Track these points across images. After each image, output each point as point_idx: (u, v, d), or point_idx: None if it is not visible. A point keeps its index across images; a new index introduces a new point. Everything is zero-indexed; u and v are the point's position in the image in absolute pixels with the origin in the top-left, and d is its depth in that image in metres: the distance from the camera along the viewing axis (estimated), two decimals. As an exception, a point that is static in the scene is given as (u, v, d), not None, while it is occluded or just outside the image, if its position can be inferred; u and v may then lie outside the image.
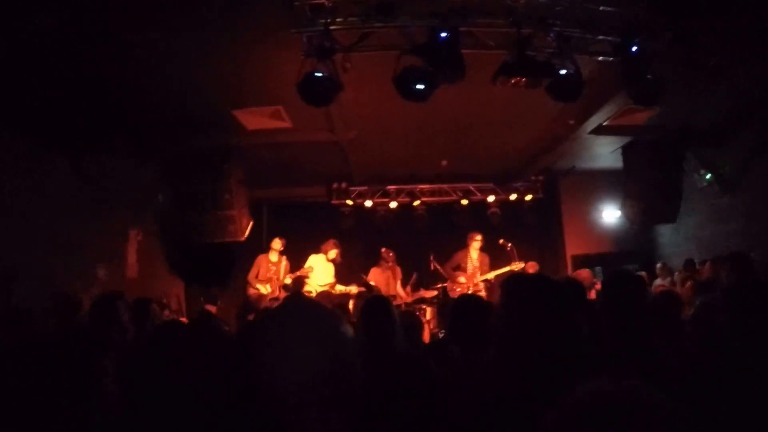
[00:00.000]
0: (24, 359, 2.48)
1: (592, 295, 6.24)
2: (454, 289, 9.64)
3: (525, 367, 1.79)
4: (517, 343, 1.83)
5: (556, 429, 1.00)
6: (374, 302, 3.72)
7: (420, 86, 5.32)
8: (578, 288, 5.74)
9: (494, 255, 10.08)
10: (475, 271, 9.81)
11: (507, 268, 9.54)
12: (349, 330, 1.33)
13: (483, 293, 9.37)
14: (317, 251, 9.70)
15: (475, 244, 9.90)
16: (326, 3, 4.98)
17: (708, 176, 9.86)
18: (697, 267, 8.26)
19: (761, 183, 8.83)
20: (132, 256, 8.88)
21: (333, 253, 9.62)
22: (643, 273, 9.55)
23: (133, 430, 2.21)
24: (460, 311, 3.31)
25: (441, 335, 8.31)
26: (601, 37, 5.79)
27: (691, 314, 2.22)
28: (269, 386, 1.23)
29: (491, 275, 9.76)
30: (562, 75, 5.72)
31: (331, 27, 5.06)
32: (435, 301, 9.76)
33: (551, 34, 5.57)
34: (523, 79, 5.58)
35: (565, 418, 1.00)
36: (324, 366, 1.23)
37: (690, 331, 2.22)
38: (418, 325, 4.98)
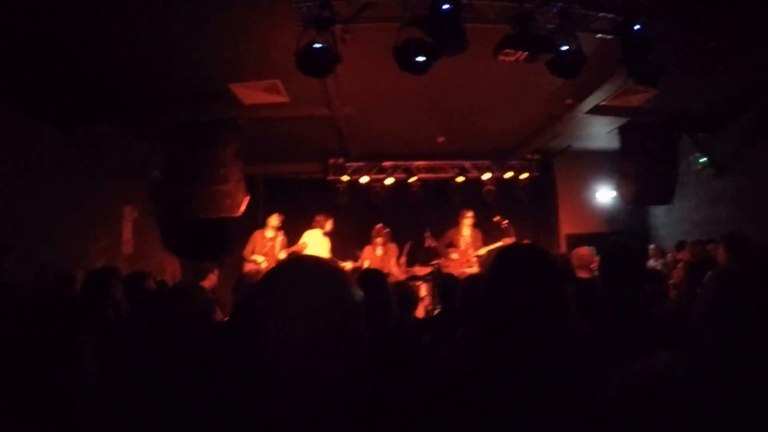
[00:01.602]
0: (4, 334, 2.46)
1: (587, 273, 6.25)
2: (447, 266, 9.70)
3: (513, 339, 1.73)
4: (506, 312, 1.77)
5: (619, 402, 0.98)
6: (368, 276, 3.69)
7: (420, 58, 5.27)
8: (567, 263, 5.78)
9: (487, 231, 10.12)
10: (467, 248, 9.88)
11: (499, 243, 9.58)
12: (358, 293, 1.27)
13: (476, 269, 9.44)
14: (311, 227, 9.68)
15: (467, 221, 9.98)
16: (326, -27, 4.92)
17: (703, 159, 9.91)
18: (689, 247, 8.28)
19: (755, 167, 8.87)
20: (127, 232, 8.82)
21: (329, 225, 9.64)
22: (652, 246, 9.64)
23: (113, 404, 2.16)
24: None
25: (436, 312, 8.33)
26: (603, 15, 5.76)
27: (706, 284, 2.21)
28: (271, 349, 1.19)
29: (483, 251, 9.81)
30: (563, 51, 5.68)
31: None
32: (429, 278, 9.80)
33: (553, 10, 5.53)
34: (524, 54, 5.52)
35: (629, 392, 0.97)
36: (329, 329, 1.19)
37: (700, 303, 2.22)
38: (412, 298, 4.98)
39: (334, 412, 1.19)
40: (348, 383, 1.21)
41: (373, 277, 3.52)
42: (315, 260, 1.34)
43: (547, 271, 1.81)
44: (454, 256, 9.83)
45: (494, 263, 1.86)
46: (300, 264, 1.36)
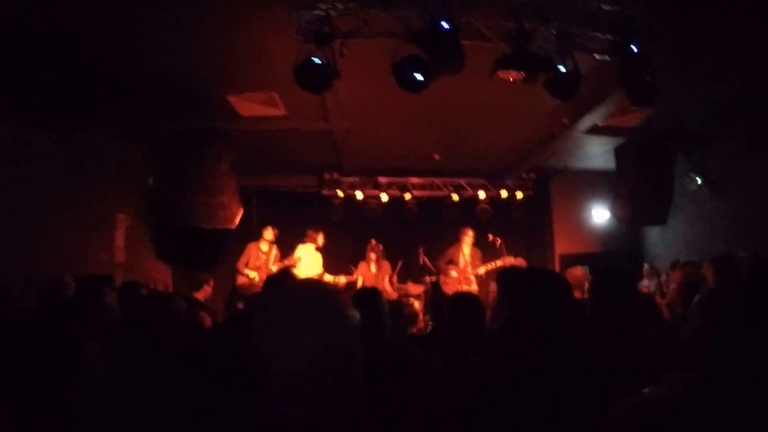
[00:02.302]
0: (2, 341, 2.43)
1: (580, 293, 6.24)
2: (446, 283, 9.70)
3: (527, 360, 1.77)
4: (520, 335, 1.82)
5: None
6: (364, 293, 3.70)
7: (418, 75, 5.27)
8: (567, 282, 5.75)
9: (485, 251, 10.11)
10: (466, 266, 9.87)
11: (499, 263, 9.58)
12: (355, 315, 1.29)
13: (474, 287, 9.44)
14: (304, 241, 9.65)
15: (467, 239, 9.96)
16: (326, -13, 4.93)
17: (697, 179, 9.94)
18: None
19: (749, 185, 8.91)
20: (119, 240, 8.77)
21: (321, 239, 9.62)
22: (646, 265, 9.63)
23: (118, 411, 2.17)
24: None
25: (429, 329, 8.28)
26: (601, 35, 5.79)
27: (695, 304, 2.22)
28: (267, 366, 1.20)
29: (482, 270, 9.80)
30: (561, 71, 5.70)
31: (331, 12, 4.99)
32: (422, 295, 9.78)
33: (551, 30, 5.55)
34: (521, 74, 5.54)
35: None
36: (324, 350, 1.20)
37: (690, 323, 2.23)
38: (408, 316, 4.97)
39: (329, 429, 1.19)
40: (343, 400, 1.22)
41: (369, 295, 3.53)
42: (312, 281, 1.43)
43: (567, 296, 1.89)
44: (453, 273, 9.81)
45: (514, 288, 1.93)
46: (297, 284, 1.40)
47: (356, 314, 1.29)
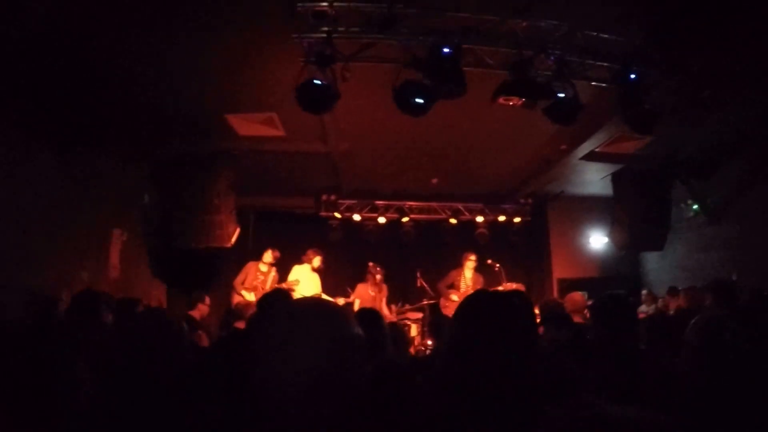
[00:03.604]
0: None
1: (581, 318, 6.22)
2: (447, 306, 9.66)
3: (472, 381, 1.73)
4: (466, 356, 1.77)
5: None
6: (365, 314, 3.70)
7: (419, 100, 5.31)
8: (560, 308, 5.74)
9: (487, 275, 10.06)
10: (467, 290, 9.77)
11: (500, 288, 9.52)
12: (359, 331, 1.29)
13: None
14: (301, 262, 9.60)
15: (470, 263, 9.91)
16: (329, 10, 4.98)
17: (695, 206, 9.98)
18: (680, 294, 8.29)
19: (747, 214, 8.96)
20: (114, 257, 8.71)
21: (317, 261, 9.51)
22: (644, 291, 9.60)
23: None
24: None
25: (428, 352, 8.25)
26: (600, 63, 5.85)
27: (693, 330, 2.23)
28: (269, 383, 1.19)
29: (484, 295, 9.73)
30: (560, 98, 5.75)
31: (333, 35, 5.04)
32: (419, 317, 9.77)
33: (551, 58, 5.61)
34: (522, 100, 5.60)
35: None
36: (331, 366, 1.20)
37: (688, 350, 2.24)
38: (403, 339, 4.95)
39: None
40: (347, 416, 1.21)
41: (370, 316, 3.54)
42: (318, 298, 1.45)
43: (512, 318, 1.81)
44: (454, 297, 9.75)
45: (459, 310, 1.87)
46: (304, 301, 1.48)
47: (361, 332, 1.29)
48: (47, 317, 4.98)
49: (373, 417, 1.50)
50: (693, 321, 2.28)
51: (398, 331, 4.97)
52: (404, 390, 3.09)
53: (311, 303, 1.38)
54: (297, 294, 9.01)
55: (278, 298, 4.08)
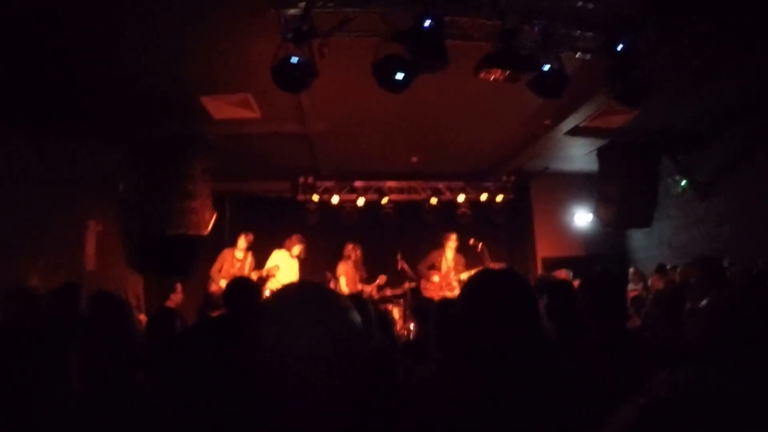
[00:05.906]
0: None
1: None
2: (427, 288, 9.54)
3: (493, 367, 1.78)
4: (484, 340, 1.82)
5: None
6: (353, 300, 3.56)
7: (400, 75, 5.09)
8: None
9: (468, 256, 9.92)
10: (449, 271, 9.71)
11: (481, 268, 9.40)
12: (357, 317, 1.30)
13: (457, 293, 9.25)
14: (281, 246, 9.41)
15: (451, 244, 9.80)
16: (307, -18, 4.73)
17: (683, 182, 9.89)
18: (668, 271, 8.21)
19: (735, 189, 8.89)
20: (90, 247, 8.43)
21: (297, 249, 9.35)
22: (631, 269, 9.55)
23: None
24: None
25: (411, 336, 8.11)
26: (587, 34, 5.66)
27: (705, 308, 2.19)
28: (271, 368, 1.19)
29: (465, 275, 9.61)
30: (546, 70, 5.57)
31: (312, 9, 4.78)
32: (400, 300, 9.66)
33: (536, 28, 5.41)
34: (506, 72, 5.41)
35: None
36: (330, 351, 1.20)
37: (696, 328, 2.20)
38: (392, 324, 4.87)
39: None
40: (348, 399, 1.23)
41: (357, 301, 3.47)
42: (313, 283, 1.49)
43: (525, 298, 1.87)
44: (435, 278, 9.65)
45: (470, 290, 1.94)
46: (303, 286, 1.52)
47: (357, 316, 1.30)
48: (26, 313, 4.77)
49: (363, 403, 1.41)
50: (707, 299, 2.22)
51: (385, 317, 4.86)
52: (392, 375, 3.03)
53: (314, 291, 1.36)
54: (276, 280, 8.84)
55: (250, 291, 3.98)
